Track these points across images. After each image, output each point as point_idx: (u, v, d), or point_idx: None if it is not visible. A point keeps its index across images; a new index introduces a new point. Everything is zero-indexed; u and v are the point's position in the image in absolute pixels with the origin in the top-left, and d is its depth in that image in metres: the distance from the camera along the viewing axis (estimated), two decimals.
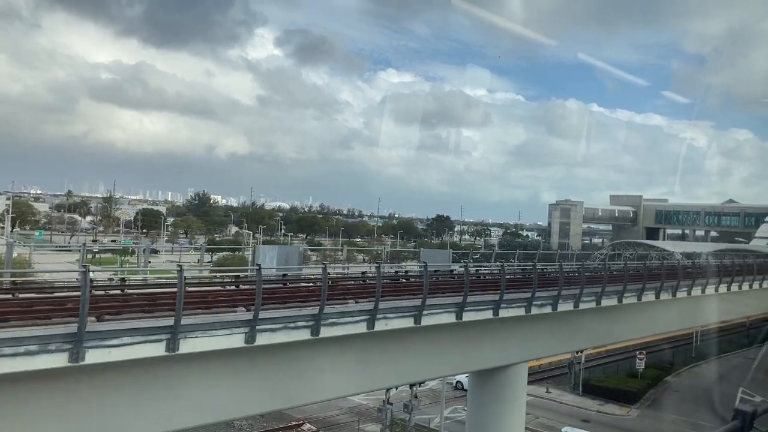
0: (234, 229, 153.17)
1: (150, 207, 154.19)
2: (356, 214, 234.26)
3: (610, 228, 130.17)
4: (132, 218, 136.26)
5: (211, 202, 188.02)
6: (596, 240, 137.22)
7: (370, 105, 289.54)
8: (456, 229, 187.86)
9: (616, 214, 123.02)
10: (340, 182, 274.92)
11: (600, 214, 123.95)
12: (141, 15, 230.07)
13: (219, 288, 15.93)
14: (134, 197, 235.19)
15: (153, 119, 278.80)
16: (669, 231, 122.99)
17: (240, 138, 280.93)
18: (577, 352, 37.61)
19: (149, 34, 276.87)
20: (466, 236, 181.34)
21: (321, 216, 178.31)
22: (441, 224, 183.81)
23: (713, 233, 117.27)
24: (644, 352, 43.15)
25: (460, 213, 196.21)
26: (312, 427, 30.61)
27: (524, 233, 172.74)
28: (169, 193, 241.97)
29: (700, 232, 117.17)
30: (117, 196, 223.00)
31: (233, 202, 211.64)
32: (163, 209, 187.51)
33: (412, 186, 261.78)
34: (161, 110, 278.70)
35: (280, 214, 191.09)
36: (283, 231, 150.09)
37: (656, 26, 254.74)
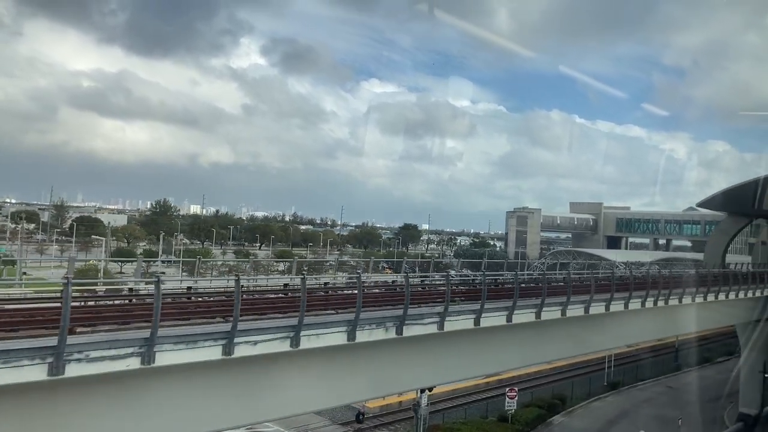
0: (182, 239, 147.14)
1: (88, 215, 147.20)
2: (328, 223, 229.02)
3: (570, 237, 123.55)
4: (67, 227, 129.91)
5: (173, 210, 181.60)
6: (560, 248, 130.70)
7: (354, 115, 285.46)
8: (423, 238, 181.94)
9: (575, 222, 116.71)
10: (325, 192, 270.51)
11: (558, 222, 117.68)
12: (124, 22, 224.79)
13: None
14: (113, 206, 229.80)
15: (136, 128, 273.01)
16: (632, 239, 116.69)
17: (224, 147, 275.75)
18: (422, 390, 30.60)
19: (132, 41, 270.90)
20: (433, 245, 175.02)
21: (281, 225, 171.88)
22: (407, 233, 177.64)
23: (686, 242, 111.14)
24: (516, 388, 35.44)
25: (428, 222, 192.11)
26: None
27: (492, 242, 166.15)
28: (149, 203, 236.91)
29: (662, 241, 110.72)
30: (86, 205, 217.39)
31: (213, 212, 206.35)
32: (124, 218, 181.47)
33: (397, 196, 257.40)
34: (145, 119, 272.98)
35: (245, 222, 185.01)
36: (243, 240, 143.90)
37: (636, 39, 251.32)
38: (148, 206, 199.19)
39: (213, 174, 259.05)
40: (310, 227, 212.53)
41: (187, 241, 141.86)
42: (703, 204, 44.78)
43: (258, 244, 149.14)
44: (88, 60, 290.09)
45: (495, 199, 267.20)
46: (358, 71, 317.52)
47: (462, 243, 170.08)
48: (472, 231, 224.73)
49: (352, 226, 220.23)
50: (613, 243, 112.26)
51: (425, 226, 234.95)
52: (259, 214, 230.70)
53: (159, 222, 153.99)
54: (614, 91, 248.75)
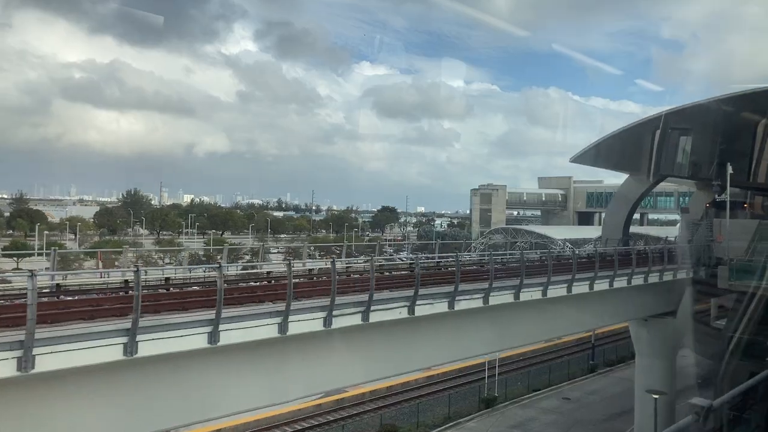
0: (139, 229, 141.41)
1: (28, 207, 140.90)
2: (313, 208, 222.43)
3: (539, 214, 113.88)
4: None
5: (144, 199, 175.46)
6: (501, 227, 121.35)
7: (348, 99, 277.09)
8: (401, 220, 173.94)
9: (543, 198, 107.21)
10: (323, 178, 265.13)
11: (525, 198, 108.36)
12: (115, 11, 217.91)
13: None
14: (106, 199, 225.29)
15: (130, 119, 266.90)
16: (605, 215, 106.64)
17: (220, 135, 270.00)
18: None
19: (124, 30, 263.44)
20: (410, 228, 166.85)
21: (247, 212, 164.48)
22: (385, 216, 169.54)
23: (661, 216, 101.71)
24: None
25: (405, 205, 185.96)
26: None
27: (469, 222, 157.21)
28: (116, 193, 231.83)
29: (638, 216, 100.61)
30: (64, 198, 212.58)
31: (205, 201, 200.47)
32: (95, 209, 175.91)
33: (394, 179, 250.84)
34: (139, 109, 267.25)
35: (223, 210, 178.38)
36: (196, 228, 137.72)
37: (632, 14, 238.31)
38: (116, 196, 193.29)
39: (209, 163, 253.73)
40: (293, 213, 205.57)
41: (145, 231, 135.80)
42: (577, 159, 35.22)
43: (220, 232, 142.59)
44: (80, 51, 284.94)
45: (493, 179, 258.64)
46: (351, 54, 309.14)
47: (440, 225, 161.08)
48: (467, 212, 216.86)
49: (337, 210, 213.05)
50: (585, 219, 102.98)
51: (420, 209, 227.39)
52: (245, 201, 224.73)
53: (114, 213, 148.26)
54: (609, 68, 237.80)
